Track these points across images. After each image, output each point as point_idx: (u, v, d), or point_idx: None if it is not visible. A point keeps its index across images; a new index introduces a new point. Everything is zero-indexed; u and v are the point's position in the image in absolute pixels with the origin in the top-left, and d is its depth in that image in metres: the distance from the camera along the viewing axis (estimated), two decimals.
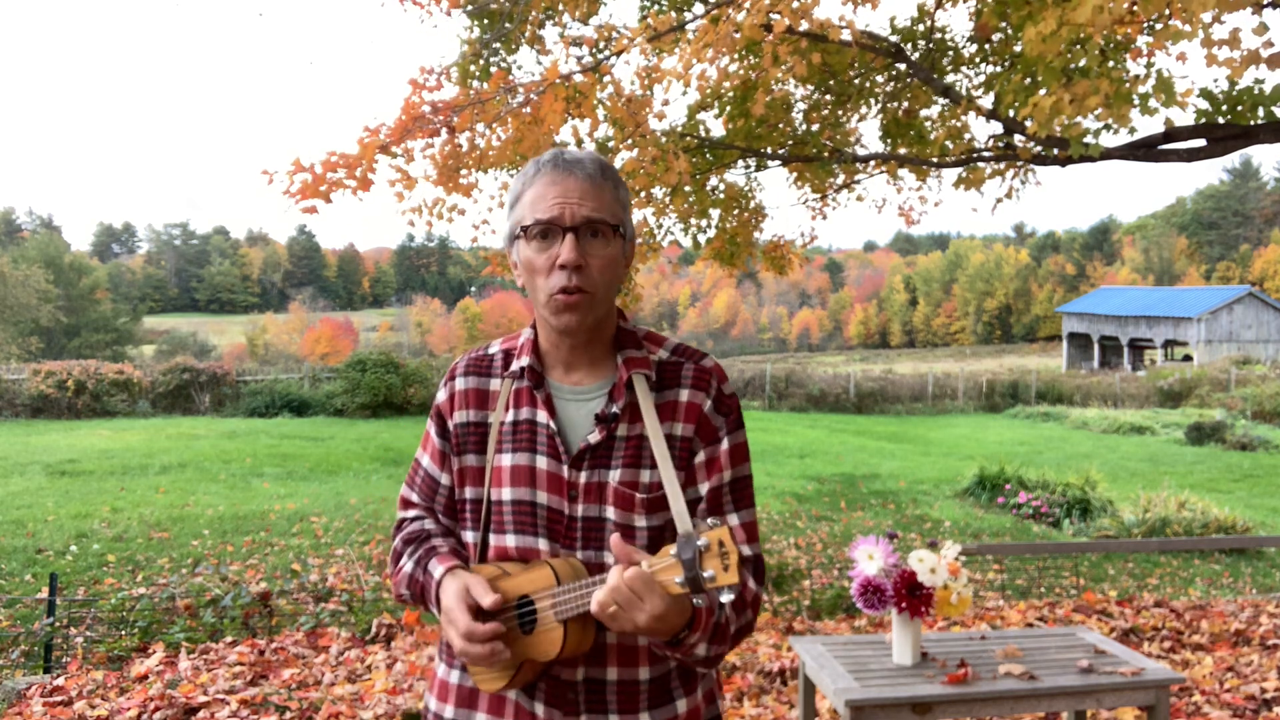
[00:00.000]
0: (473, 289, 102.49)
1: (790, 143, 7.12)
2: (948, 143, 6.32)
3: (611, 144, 6.16)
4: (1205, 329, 41.87)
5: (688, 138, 6.72)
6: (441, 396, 1.56)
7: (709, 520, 1.24)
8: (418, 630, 4.89)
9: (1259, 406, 24.97)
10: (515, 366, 1.50)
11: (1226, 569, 9.34)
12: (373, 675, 4.15)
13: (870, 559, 2.91)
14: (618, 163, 5.69)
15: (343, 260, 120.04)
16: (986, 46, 6.69)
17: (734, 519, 1.46)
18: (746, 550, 1.45)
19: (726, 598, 1.21)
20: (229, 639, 4.74)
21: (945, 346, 78.63)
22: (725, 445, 1.45)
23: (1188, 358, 42.50)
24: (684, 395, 1.45)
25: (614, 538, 1.30)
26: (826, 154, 6.90)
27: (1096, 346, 47.95)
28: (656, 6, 7.11)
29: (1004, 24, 5.97)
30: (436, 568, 1.46)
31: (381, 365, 20.95)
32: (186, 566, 7.63)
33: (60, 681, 4.12)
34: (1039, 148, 5.56)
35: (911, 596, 2.88)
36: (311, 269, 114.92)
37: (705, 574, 1.19)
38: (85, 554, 8.20)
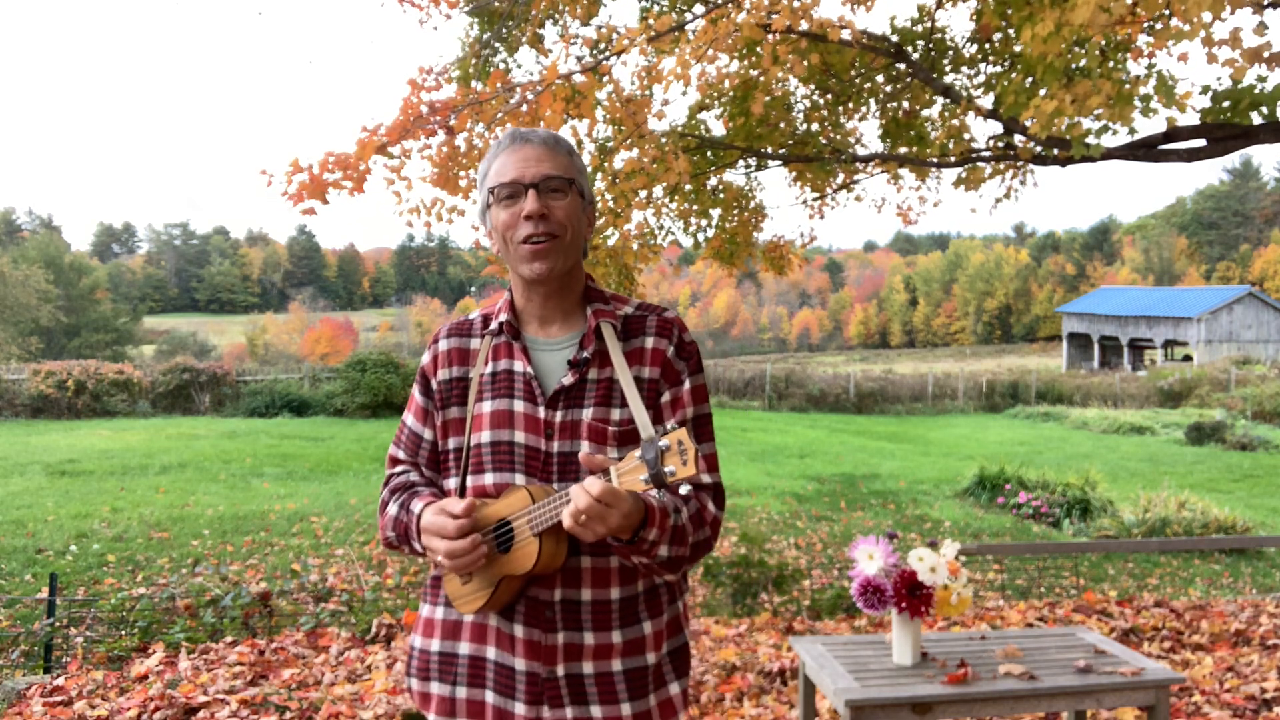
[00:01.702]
0: (473, 289, 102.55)
1: (790, 143, 7.12)
2: (948, 143, 6.32)
3: (611, 144, 6.15)
4: (1205, 329, 41.85)
5: (688, 137, 6.72)
6: (426, 359, 1.71)
7: (669, 424, 1.37)
8: None
9: (1259, 406, 24.97)
10: (493, 324, 1.65)
11: (1226, 569, 9.33)
12: (373, 675, 4.15)
13: (870, 559, 2.91)
14: (618, 163, 5.69)
15: (343, 260, 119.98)
16: (986, 47, 6.69)
17: None
18: (707, 479, 1.59)
19: (685, 489, 1.36)
20: (229, 639, 4.74)
21: (945, 346, 78.60)
22: (687, 385, 1.61)
23: (1188, 358, 42.48)
24: (649, 342, 1.61)
25: (583, 451, 1.41)
26: (826, 154, 6.90)
27: (1096, 346, 47.93)
28: (657, 7, 7.11)
29: (1004, 24, 5.97)
30: (417, 504, 1.59)
31: (381, 365, 20.95)
32: (186, 566, 7.62)
33: (60, 681, 4.11)
34: (1039, 148, 5.56)
35: (911, 596, 2.88)
36: (311, 269, 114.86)
37: (666, 469, 1.31)
38: (85, 554, 8.20)
